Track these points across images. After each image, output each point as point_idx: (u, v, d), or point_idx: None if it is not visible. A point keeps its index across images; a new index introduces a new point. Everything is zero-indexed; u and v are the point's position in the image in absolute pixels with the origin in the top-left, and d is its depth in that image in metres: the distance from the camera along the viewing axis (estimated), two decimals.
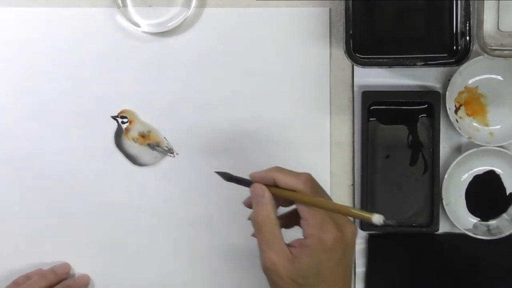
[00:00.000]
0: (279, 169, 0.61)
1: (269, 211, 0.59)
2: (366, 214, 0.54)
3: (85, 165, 0.73)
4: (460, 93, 0.72)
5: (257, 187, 0.60)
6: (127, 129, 0.73)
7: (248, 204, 0.63)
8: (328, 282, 0.58)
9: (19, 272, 0.72)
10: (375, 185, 0.73)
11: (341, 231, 0.58)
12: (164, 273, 0.74)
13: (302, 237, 0.58)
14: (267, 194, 0.60)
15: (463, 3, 0.68)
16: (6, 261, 0.73)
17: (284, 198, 0.60)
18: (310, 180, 0.60)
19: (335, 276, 0.58)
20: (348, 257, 0.60)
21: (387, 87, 0.73)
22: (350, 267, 0.60)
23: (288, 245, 0.58)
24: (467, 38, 0.67)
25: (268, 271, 0.58)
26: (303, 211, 0.58)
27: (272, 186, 0.60)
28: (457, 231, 0.72)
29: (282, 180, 0.59)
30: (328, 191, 0.73)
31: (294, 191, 0.59)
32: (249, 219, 0.61)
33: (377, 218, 0.53)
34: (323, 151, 0.73)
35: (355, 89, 0.73)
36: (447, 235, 0.73)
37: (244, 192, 0.64)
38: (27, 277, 0.71)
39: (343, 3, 0.67)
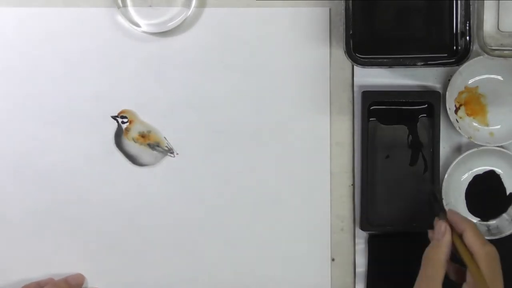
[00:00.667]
0: (473, 227, 0.61)
1: (440, 254, 0.60)
2: None
3: (85, 165, 0.73)
4: (460, 93, 0.72)
5: (442, 225, 0.62)
6: (127, 129, 0.73)
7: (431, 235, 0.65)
8: None
9: (18, 273, 0.72)
10: (375, 185, 0.73)
11: None
12: (164, 273, 0.74)
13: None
14: (446, 238, 0.61)
15: (463, 3, 0.68)
16: (5, 260, 0.73)
17: (458, 253, 0.61)
18: (493, 255, 0.60)
19: None
20: None
21: (387, 87, 0.73)
22: None
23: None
24: (467, 38, 0.67)
25: None
26: (473, 278, 0.59)
27: (458, 235, 0.61)
28: None
29: (470, 239, 0.60)
30: (328, 191, 0.73)
31: (471, 254, 0.59)
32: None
33: None
34: (323, 151, 0.73)
35: (355, 89, 0.73)
36: None
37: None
38: (38, 285, 0.71)
39: (343, 3, 0.67)
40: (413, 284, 0.73)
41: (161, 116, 0.73)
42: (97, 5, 0.72)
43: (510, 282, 0.73)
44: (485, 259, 0.59)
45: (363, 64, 0.68)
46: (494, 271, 0.60)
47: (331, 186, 0.74)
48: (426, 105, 0.72)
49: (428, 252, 0.62)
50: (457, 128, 0.71)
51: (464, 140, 0.73)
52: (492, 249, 0.60)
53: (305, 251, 0.73)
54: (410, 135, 0.73)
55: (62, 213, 0.73)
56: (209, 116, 0.73)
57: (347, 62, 0.71)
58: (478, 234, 0.61)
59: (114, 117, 0.73)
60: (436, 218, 0.63)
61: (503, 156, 0.72)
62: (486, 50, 0.66)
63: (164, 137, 0.73)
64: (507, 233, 0.72)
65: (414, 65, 0.68)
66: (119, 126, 0.73)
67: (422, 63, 0.68)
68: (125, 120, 0.73)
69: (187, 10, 0.72)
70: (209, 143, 0.73)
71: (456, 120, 0.72)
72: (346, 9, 0.67)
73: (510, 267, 0.73)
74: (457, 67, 0.69)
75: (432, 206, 0.65)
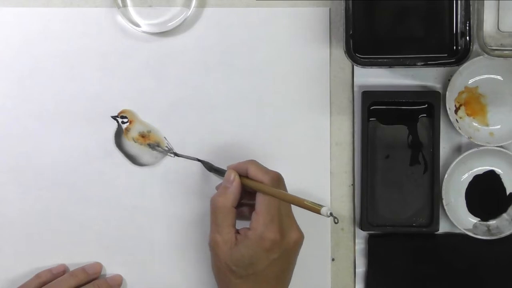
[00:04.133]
0: (254, 162, 0.66)
1: (229, 200, 0.64)
2: (315, 206, 0.58)
3: (85, 165, 0.73)
4: (460, 93, 0.72)
5: (230, 173, 0.66)
6: (127, 129, 0.73)
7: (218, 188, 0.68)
8: (259, 277, 0.63)
9: (17, 273, 0.72)
10: (375, 185, 0.73)
11: (283, 235, 0.62)
12: (164, 273, 0.74)
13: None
14: (235, 184, 0.65)
15: (463, 3, 0.68)
16: (4, 261, 0.73)
17: (250, 188, 0.65)
18: (277, 178, 0.64)
19: (267, 273, 0.63)
20: (285, 261, 0.64)
21: (387, 87, 0.73)
22: (288, 270, 0.65)
23: (237, 231, 0.64)
24: (467, 38, 0.67)
25: (211, 249, 0.65)
26: (259, 205, 0.63)
27: (244, 176, 0.65)
28: (457, 231, 0.72)
29: (253, 172, 0.65)
30: (328, 191, 0.73)
31: (260, 183, 0.64)
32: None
33: (325, 210, 0.57)
34: (323, 151, 0.73)
35: (355, 89, 0.73)
36: (447, 235, 0.73)
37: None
38: (50, 272, 0.71)
39: (343, 3, 0.67)
40: (413, 284, 0.73)
41: (161, 116, 0.73)
42: (97, 5, 0.72)
43: (510, 282, 0.73)
44: (272, 183, 0.63)
45: (363, 64, 0.68)
46: (282, 187, 0.65)
47: (331, 186, 0.74)
48: (426, 105, 0.72)
49: (216, 200, 0.65)
50: (457, 128, 0.71)
51: (464, 140, 0.73)
52: (276, 174, 0.65)
53: (305, 251, 0.73)
54: (410, 135, 0.73)
55: (62, 213, 0.73)
56: (209, 116, 0.73)
57: (347, 62, 0.71)
58: (260, 167, 0.65)
59: (114, 117, 0.73)
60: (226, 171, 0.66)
61: (503, 156, 0.72)
62: (486, 50, 0.66)
63: (164, 137, 0.73)
64: (507, 233, 0.72)
65: (414, 65, 0.68)
66: (119, 126, 0.73)
67: (422, 63, 0.68)
68: (125, 120, 0.73)
69: (187, 10, 0.72)
70: (209, 143, 0.73)
71: (456, 120, 0.72)
72: (346, 9, 0.67)
73: (510, 267, 0.73)
74: (457, 67, 0.69)
75: (219, 173, 0.70)
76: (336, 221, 0.58)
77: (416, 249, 0.73)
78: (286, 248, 0.63)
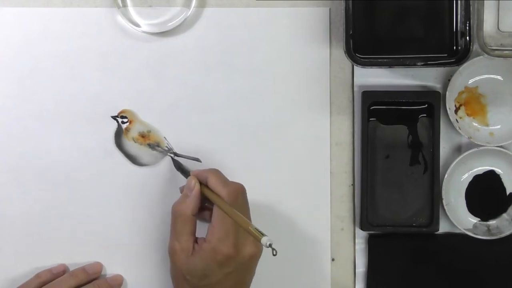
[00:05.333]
0: (215, 172, 0.65)
1: (188, 208, 0.64)
2: (257, 234, 0.57)
3: (85, 165, 0.73)
4: (460, 93, 0.72)
5: (192, 180, 0.65)
6: (127, 129, 0.73)
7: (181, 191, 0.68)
8: None
9: (17, 273, 0.72)
10: (375, 185, 0.73)
11: (237, 250, 0.62)
12: (164, 273, 0.74)
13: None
14: (194, 192, 0.64)
15: (463, 3, 0.68)
16: (4, 261, 0.73)
17: (208, 199, 0.65)
18: (235, 192, 0.63)
19: (221, 286, 0.62)
20: (241, 274, 0.63)
21: (387, 87, 0.73)
22: (245, 282, 0.64)
23: (196, 240, 0.64)
24: (467, 38, 0.67)
25: (169, 255, 0.65)
26: (215, 217, 0.63)
27: (204, 185, 0.65)
28: (457, 231, 0.72)
29: (213, 183, 0.64)
30: (328, 191, 0.73)
31: (217, 195, 0.63)
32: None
33: (265, 240, 0.56)
34: (323, 151, 0.73)
35: (355, 89, 0.73)
36: (447, 235, 0.73)
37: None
38: (50, 272, 0.71)
39: (343, 3, 0.67)
40: (413, 284, 0.73)
41: (161, 116, 0.73)
42: (97, 5, 0.72)
43: (510, 282, 0.73)
44: (229, 196, 0.62)
45: (363, 64, 0.68)
46: (238, 203, 0.63)
47: (331, 186, 0.74)
48: (426, 105, 0.72)
49: (176, 207, 0.65)
50: (457, 128, 0.71)
51: (464, 140, 0.73)
52: (235, 187, 0.64)
53: (305, 251, 0.73)
54: (410, 135, 0.73)
55: (62, 212, 0.73)
56: (209, 116, 0.73)
57: (347, 62, 0.71)
58: (219, 178, 0.64)
59: (114, 117, 0.73)
60: (188, 178, 0.66)
61: (503, 156, 0.72)
62: (486, 50, 0.66)
63: (164, 137, 0.73)
64: (507, 233, 0.72)
65: (414, 65, 0.68)
66: (119, 126, 0.73)
67: (422, 63, 0.68)
68: (125, 120, 0.73)
69: (187, 10, 0.72)
70: (209, 143, 0.73)
71: (456, 120, 0.72)
72: (346, 9, 0.67)
73: (510, 267, 0.73)
74: (457, 67, 0.69)
75: (183, 174, 0.70)
76: (274, 253, 0.55)
77: (416, 249, 0.73)
78: (241, 263, 0.62)
